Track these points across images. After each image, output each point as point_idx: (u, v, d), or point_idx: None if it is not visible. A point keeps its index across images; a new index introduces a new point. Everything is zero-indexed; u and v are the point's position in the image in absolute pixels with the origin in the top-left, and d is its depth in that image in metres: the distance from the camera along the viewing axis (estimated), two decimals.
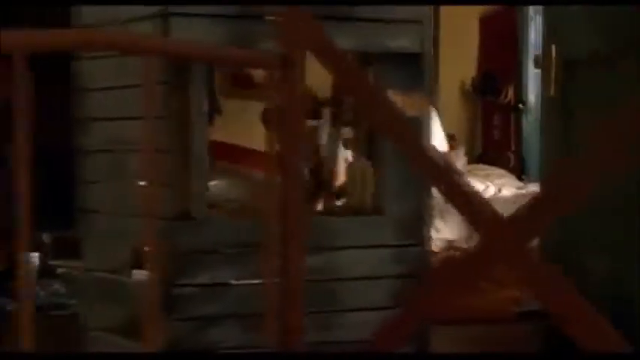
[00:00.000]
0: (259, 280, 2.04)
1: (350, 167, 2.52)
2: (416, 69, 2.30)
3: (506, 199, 4.37)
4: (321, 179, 2.86)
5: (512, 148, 5.55)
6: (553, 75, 2.78)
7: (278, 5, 1.78)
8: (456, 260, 1.71)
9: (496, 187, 4.65)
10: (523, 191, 4.59)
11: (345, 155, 2.96)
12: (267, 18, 2.07)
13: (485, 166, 5.25)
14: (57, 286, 3.34)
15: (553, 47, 2.77)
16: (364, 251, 2.25)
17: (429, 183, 2.10)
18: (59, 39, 1.50)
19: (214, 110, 2.94)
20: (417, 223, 2.31)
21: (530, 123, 5.44)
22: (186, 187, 2.16)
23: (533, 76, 5.18)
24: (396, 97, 2.28)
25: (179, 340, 2.14)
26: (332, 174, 2.93)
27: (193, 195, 2.17)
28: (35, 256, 3.26)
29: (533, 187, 4.37)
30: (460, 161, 5.02)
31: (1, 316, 3.21)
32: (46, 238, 3.58)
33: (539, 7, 4.33)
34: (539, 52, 3.11)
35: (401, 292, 2.21)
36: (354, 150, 2.63)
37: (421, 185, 2.29)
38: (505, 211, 1.61)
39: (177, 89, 2.14)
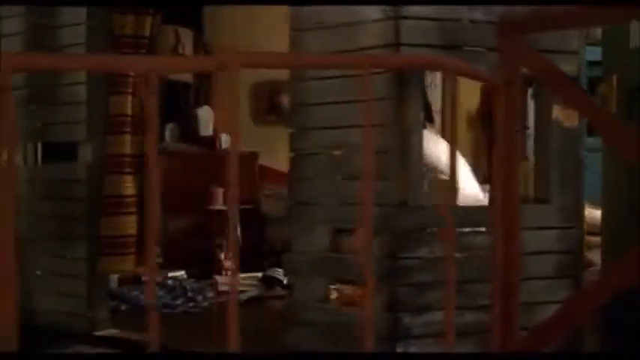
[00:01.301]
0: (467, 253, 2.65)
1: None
2: None
3: None
4: None
5: None
6: (614, 102, 3.34)
7: None
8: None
9: None
10: None
11: None
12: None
13: None
14: None
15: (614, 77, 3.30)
16: (535, 232, 2.84)
17: None
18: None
19: (428, 118, 3.50)
20: (575, 210, 2.92)
21: None
22: (406, 181, 2.75)
23: None
24: (556, 111, 2.91)
25: (402, 302, 2.72)
26: None
27: (411, 187, 2.76)
28: None
29: None
30: None
31: None
32: None
33: None
34: None
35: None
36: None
37: (576, 180, 2.91)
38: None
39: (399, 101, 2.73)
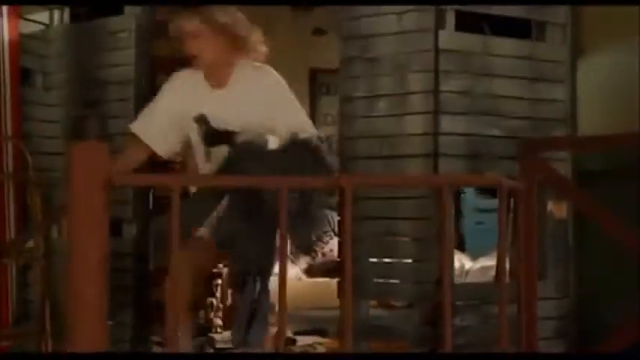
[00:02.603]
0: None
1: None
2: None
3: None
4: None
5: None
6: None
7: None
8: None
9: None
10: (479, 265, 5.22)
11: None
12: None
13: None
14: None
15: None
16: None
17: None
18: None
19: None
20: (566, 284, 3.68)
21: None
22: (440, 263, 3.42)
23: None
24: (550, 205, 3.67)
25: None
26: None
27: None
28: None
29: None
30: None
31: None
32: None
33: None
34: None
35: None
36: None
37: (566, 260, 3.67)
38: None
39: (436, 200, 3.41)
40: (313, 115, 7.83)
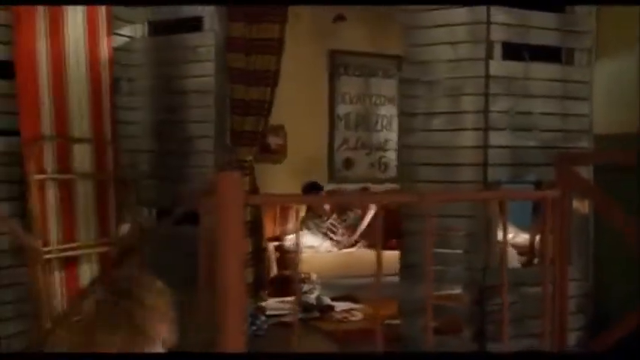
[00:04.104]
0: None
1: None
2: None
3: None
4: None
5: None
6: None
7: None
8: None
9: None
10: None
11: None
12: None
13: None
14: None
15: None
16: None
17: None
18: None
19: None
20: (587, 268, 4.41)
21: None
22: (487, 253, 4.13)
23: None
24: (575, 203, 4.38)
25: (486, 334, 4.10)
26: None
27: (490, 257, 4.14)
28: None
29: None
30: None
31: None
32: None
33: None
34: None
35: None
36: None
37: (587, 249, 4.39)
38: None
39: (485, 203, 4.11)
40: (332, 94, 8.48)
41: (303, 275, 6.64)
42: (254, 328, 5.46)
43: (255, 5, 4.82)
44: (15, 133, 4.11)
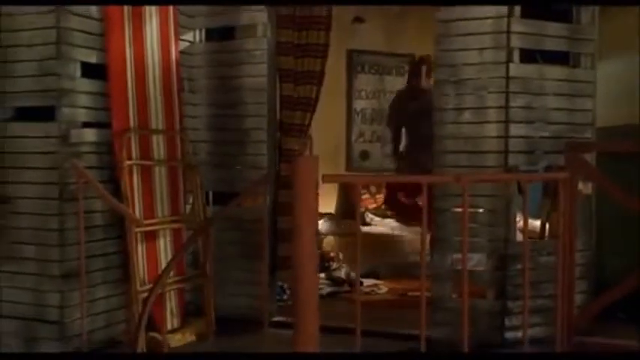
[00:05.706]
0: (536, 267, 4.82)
1: None
2: None
3: None
4: None
5: None
6: None
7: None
8: None
9: None
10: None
11: None
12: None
13: None
14: None
15: None
16: None
17: None
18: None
19: None
20: (589, 241, 5.16)
21: None
22: (507, 226, 4.87)
23: None
24: (580, 185, 5.13)
25: (506, 294, 4.85)
26: None
27: (510, 230, 4.88)
28: None
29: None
30: None
31: None
32: None
33: None
34: None
35: None
36: None
37: (589, 224, 5.15)
38: None
39: (505, 184, 4.84)
40: (350, 90, 9.21)
41: (332, 254, 7.42)
42: (285, 297, 6.11)
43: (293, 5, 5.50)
44: (103, 125, 4.82)
